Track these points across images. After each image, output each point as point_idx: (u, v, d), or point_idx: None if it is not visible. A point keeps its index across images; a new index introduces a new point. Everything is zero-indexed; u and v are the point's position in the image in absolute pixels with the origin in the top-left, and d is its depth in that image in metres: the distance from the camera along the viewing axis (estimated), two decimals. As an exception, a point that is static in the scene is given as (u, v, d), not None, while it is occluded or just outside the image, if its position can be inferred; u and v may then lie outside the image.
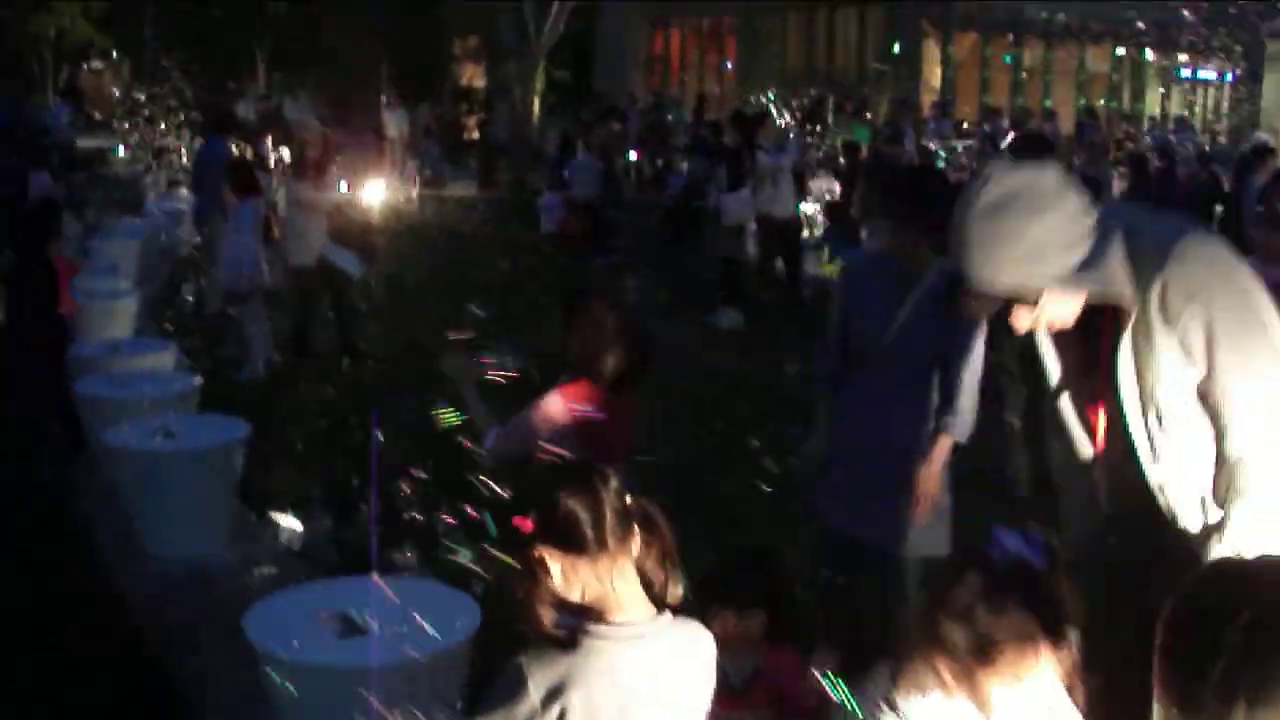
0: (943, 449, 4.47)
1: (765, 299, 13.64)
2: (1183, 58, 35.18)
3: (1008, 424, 7.31)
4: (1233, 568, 1.91)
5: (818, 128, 22.98)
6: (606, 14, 32.74)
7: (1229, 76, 36.48)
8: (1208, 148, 31.53)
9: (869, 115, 26.44)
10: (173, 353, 8.74)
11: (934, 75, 30.03)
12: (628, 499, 2.51)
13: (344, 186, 13.17)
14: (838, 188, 20.58)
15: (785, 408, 8.41)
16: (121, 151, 21.85)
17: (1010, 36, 31.66)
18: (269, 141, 23.90)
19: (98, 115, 29.56)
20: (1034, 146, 8.27)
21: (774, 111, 19.53)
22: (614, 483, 2.50)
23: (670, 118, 27.23)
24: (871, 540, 4.47)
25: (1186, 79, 35.81)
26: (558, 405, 4.10)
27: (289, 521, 6.11)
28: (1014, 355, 7.20)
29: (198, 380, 7.81)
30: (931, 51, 30.20)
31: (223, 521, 6.49)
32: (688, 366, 10.25)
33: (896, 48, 28.74)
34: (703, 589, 3.26)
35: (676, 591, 2.54)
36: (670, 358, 9.57)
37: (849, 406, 4.64)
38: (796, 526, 5.35)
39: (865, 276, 4.86)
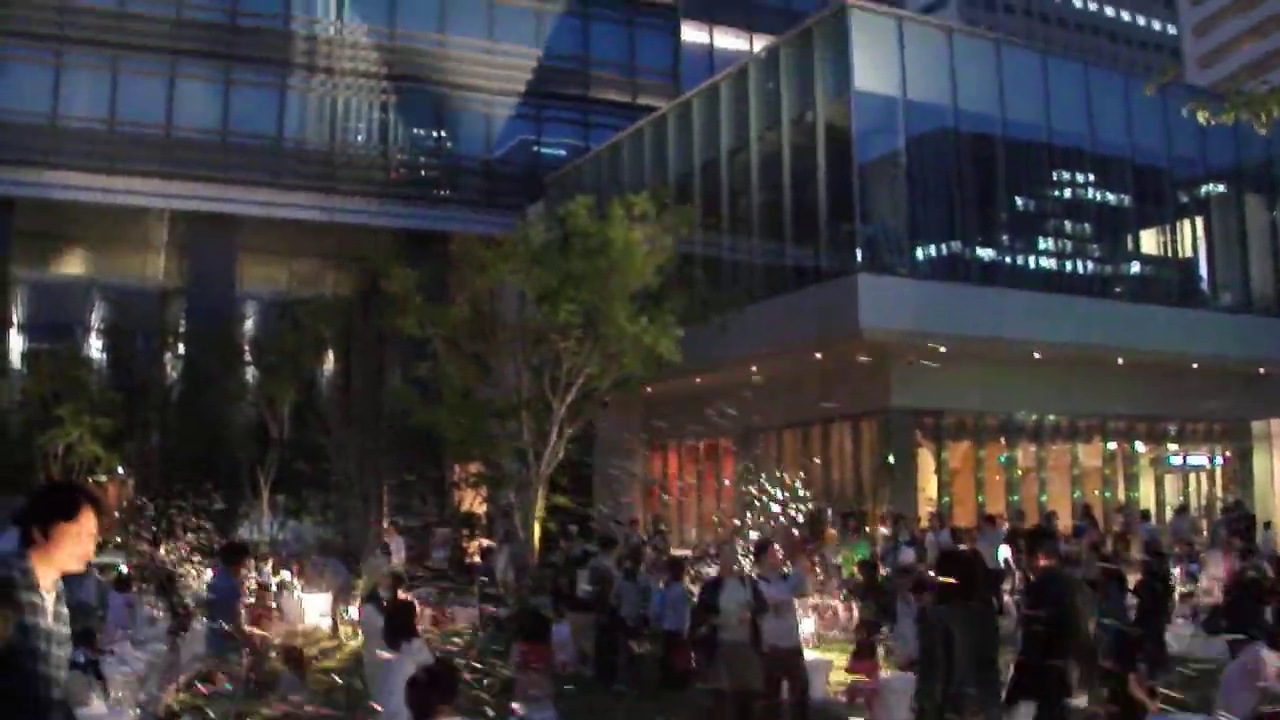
0: None
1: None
2: (1172, 446, 35.75)
3: None
4: None
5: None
6: (604, 438, 33.39)
7: (1218, 460, 37.02)
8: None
9: (868, 529, 26.65)
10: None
11: (929, 484, 30.35)
12: None
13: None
14: (839, 607, 20.53)
15: None
16: (124, 569, 21.79)
17: (1002, 440, 32.14)
18: (270, 566, 23.94)
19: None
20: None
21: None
22: None
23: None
24: None
25: (1178, 466, 36.26)
26: None
27: None
28: None
29: None
30: (926, 461, 30.60)
31: None
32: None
33: (891, 459, 29.14)
34: None
35: None
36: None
37: None
38: None
39: None
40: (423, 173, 45.03)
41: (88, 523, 5.18)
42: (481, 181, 45.33)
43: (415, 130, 45.40)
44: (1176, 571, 21.93)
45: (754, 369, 30.99)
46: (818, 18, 31.71)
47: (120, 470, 35.96)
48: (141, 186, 40.07)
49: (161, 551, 25.49)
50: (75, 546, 5.14)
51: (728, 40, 50.25)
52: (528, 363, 28.07)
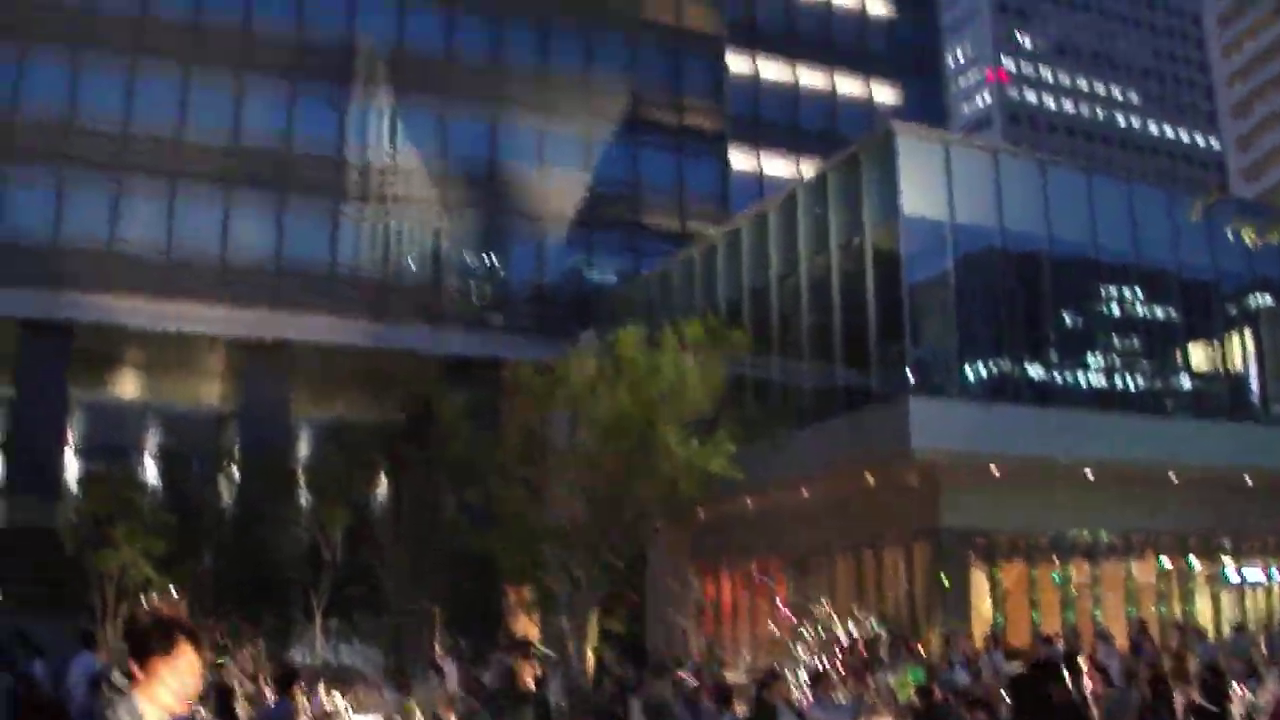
0: None
1: None
2: (1228, 561, 35.26)
3: None
4: None
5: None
6: (655, 562, 33.28)
7: (1275, 575, 36.44)
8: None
9: (922, 651, 26.38)
10: None
11: (983, 604, 30.08)
12: None
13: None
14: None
15: None
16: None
17: (1055, 558, 31.89)
18: (321, 688, 23.88)
19: None
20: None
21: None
22: None
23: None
24: None
25: (1234, 583, 35.72)
26: None
27: None
28: None
29: None
30: (979, 581, 30.36)
31: None
32: None
33: (945, 581, 28.95)
34: None
35: None
36: None
37: None
38: None
39: None
40: (474, 299, 45.57)
41: (187, 658, 5.09)
42: (532, 307, 45.81)
43: (466, 256, 46.01)
44: (1236, 690, 21.52)
45: (805, 491, 30.95)
46: (864, 142, 32.14)
47: (174, 593, 36.02)
48: (196, 312, 40.62)
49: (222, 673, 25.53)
50: (176, 683, 5.05)
51: (775, 165, 51.03)
52: (579, 487, 28.08)
